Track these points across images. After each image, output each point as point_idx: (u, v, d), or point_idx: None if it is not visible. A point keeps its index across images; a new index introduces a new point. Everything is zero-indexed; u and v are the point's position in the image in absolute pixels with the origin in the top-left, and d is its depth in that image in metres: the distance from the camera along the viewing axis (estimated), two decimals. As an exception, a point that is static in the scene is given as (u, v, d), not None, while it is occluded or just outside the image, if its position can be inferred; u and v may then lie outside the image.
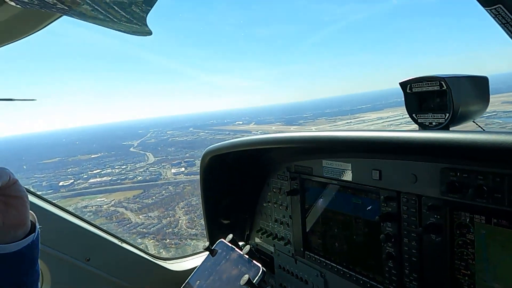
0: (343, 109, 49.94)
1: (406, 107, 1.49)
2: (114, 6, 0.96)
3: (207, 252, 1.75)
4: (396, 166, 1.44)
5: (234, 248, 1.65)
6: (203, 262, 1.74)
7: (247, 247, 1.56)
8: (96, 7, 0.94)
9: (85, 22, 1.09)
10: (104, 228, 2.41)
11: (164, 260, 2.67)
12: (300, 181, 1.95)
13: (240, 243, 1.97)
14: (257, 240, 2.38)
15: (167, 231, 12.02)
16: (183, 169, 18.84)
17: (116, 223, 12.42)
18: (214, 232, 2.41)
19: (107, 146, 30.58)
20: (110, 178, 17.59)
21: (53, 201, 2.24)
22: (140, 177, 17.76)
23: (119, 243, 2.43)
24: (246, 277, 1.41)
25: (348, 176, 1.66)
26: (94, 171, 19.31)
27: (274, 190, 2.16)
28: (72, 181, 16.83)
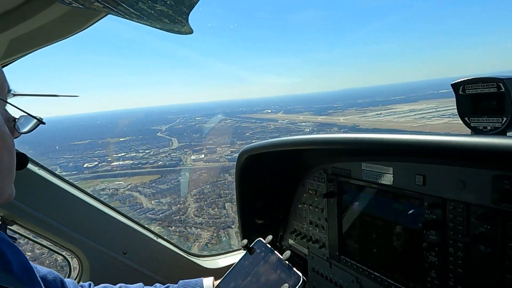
0: (375, 99, 48.67)
1: (457, 110, 1.41)
2: (157, 6, 1.06)
3: (243, 251, 1.73)
4: (441, 172, 1.38)
5: (274, 251, 1.62)
6: (240, 260, 1.71)
7: (288, 252, 1.53)
8: (140, 6, 1.05)
9: (128, 20, 1.20)
10: (141, 222, 2.49)
11: (198, 257, 2.73)
12: (338, 183, 1.91)
13: (268, 237, 1.93)
14: (291, 241, 2.35)
15: (174, 218, 12.09)
16: (202, 156, 18.92)
17: (128, 207, 12.63)
18: (248, 231, 2.42)
19: (137, 130, 31.28)
20: (131, 162, 17.92)
21: (94, 195, 2.35)
22: (161, 162, 17.98)
23: (155, 238, 2.50)
24: (286, 286, 1.38)
25: (388, 180, 1.61)
26: (119, 154, 19.75)
27: (309, 191, 2.13)
28: (96, 163, 17.31)
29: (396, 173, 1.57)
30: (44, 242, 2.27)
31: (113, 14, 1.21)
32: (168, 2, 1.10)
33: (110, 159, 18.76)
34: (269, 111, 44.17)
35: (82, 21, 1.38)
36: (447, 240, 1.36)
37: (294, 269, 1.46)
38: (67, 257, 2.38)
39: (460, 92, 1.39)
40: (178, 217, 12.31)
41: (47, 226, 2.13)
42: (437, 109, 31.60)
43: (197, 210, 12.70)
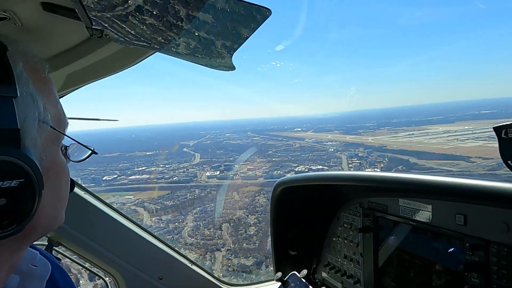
0: (411, 119, 47.01)
1: (500, 153, 1.34)
2: (203, 45, 1.13)
3: (277, 282, 1.72)
4: (484, 213, 1.34)
5: (308, 286, 1.63)
6: None
7: None
8: (186, 45, 1.13)
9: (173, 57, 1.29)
10: (176, 248, 2.54)
11: (231, 285, 2.73)
12: (374, 218, 1.88)
13: (303, 271, 1.96)
14: (324, 274, 2.31)
15: (167, 237, 11.86)
16: (217, 172, 18.75)
17: (129, 223, 12.53)
18: (281, 262, 2.40)
19: (165, 145, 31.83)
20: (148, 176, 18.06)
21: (131, 218, 2.42)
22: (176, 178, 17.96)
23: (190, 265, 2.53)
24: None
25: (427, 218, 1.57)
26: (140, 168, 20.04)
27: (345, 225, 2.10)
28: (115, 176, 17.61)
29: (436, 211, 1.53)
30: (84, 262, 2.35)
31: (162, 52, 1.29)
32: (215, 43, 1.15)
33: (129, 172, 19.05)
34: (299, 129, 43.91)
35: (133, 58, 1.45)
36: (490, 285, 1.31)
37: None
38: (105, 279, 2.42)
39: (503, 136, 1.32)
40: (171, 236, 12.10)
41: (89, 248, 2.21)
42: (473, 131, 30.10)
43: (192, 230, 12.51)
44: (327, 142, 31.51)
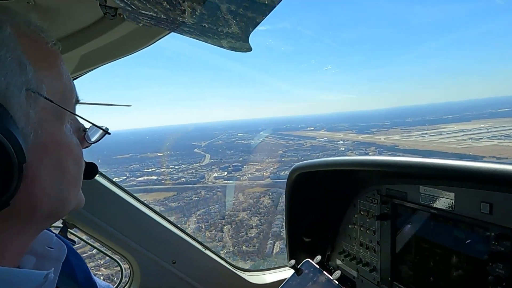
0: (426, 118, 46.26)
1: None
2: (220, 25, 1.08)
3: (290, 269, 1.72)
4: (511, 200, 1.28)
5: (322, 271, 1.60)
6: (288, 280, 1.70)
7: (338, 272, 1.52)
8: (203, 25, 1.08)
9: (189, 38, 1.25)
10: (189, 233, 2.53)
11: (244, 271, 2.72)
12: (392, 205, 1.82)
13: (317, 257, 1.88)
14: (339, 262, 2.28)
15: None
16: (225, 173, 18.65)
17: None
18: (295, 249, 2.37)
19: (178, 145, 32.04)
20: (156, 177, 18.07)
21: (145, 202, 2.42)
22: (183, 179, 17.93)
23: (203, 249, 2.53)
24: None
25: (449, 206, 1.51)
26: (150, 169, 20.11)
27: (361, 212, 2.04)
28: (124, 177, 17.68)
29: (459, 199, 1.47)
30: (98, 245, 2.38)
31: (177, 32, 1.26)
32: (231, 22, 1.11)
33: (139, 174, 19.15)
34: (312, 128, 43.67)
35: (148, 38, 1.43)
36: None
37: None
38: (120, 261, 2.44)
39: None
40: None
41: (103, 231, 2.24)
42: (489, 130, 29.38)
43: (193, 232, 12.36)
44: (339, 141, 31.18)
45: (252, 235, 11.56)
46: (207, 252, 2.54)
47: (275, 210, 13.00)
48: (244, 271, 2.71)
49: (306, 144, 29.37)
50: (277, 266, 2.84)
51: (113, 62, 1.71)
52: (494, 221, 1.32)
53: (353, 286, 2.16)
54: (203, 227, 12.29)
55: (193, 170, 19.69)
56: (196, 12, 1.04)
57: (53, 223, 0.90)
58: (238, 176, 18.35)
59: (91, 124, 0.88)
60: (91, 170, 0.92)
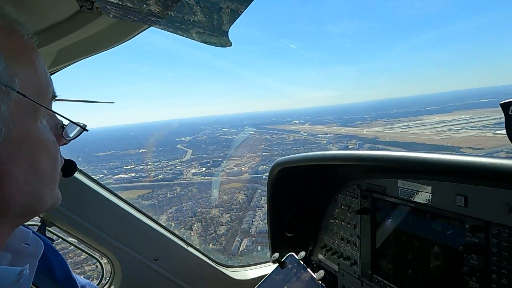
0: (410, 110, 46.57)
1: (506, 131, 1.28)
2: (199, 19, 1.13)
3: (272, 265, 1.72)
4: (485, 193, 1.30)
5: (306, 268, 1.60)
6: (271, 273, 1.69)
7: (321, 272, 1.53)
8: (182, 19, 1.13)
9: (168, 32, 1.26)
10: (171, 229, 2.51)
11: (227, 267, 2.72)
12: (372, 200, 1.85)
13: (301, 253, 1.87)
14: (320, 256, 2.30)
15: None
16: (203, 169, 18.35)
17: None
18: (277, 244, 2.38)
19: (161, 141, 31.57)
20: (134, 174, 17.66)
21: (126, 199, 2.38)
22: (161, 176, 17.56)
23: (185, 246, 2.51)
24: None
25: (426, 199, 1.53)
26: (129, 167, 19.69)
27: (342, 207, 2.07)
28: (102, 175, 17.26)
29: (435, 192, 1.50)
30: (78, 243, 2.33)
31: (156, 27, 1.26)
32: (209, 16, 1.11)
33: (116, 171, 18.75)
34: (297, 122, 43.62)
35: (126, 33, 1.41)
36: (490, 266, 1.29)
37: None
38: (101, 260, 2.41)
39: (510, 113, 1.28)
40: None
41: (83, 229, 2.19)
42: (469, 121, 29.60)
43: None
44: (322, 134, 31.11)
45: (221, 232, 11.35)
46: (190, 248, 2.52)
47: (248, 206, 12.88)
48: (227, 267, 2.71)
49: (289, 138, 29.23)
50: (259, 261, 2.85)
51: (93, 57, 1.68)
52: (469, 214, 1.36)
53: (334, 280, 2.17)
54: (173, 225, 12.03)
55: (172, 167, 19.33)
56: (173, 6, 1.04)
57: (28, 220, 0.84)
58: (216, 172, 18.09)
59: (68, 121, 0.85)
60: (69, 167, 0.90)
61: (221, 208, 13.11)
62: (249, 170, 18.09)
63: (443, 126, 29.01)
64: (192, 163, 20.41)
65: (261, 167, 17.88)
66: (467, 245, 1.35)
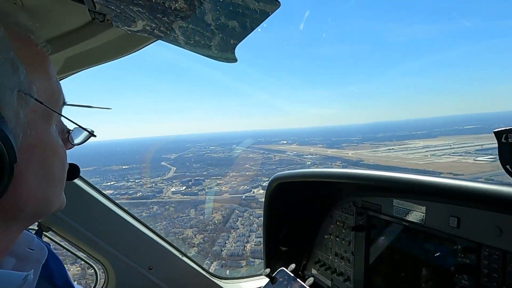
0: (396, 134, 47.06)
1: (499, 158, 1.31)
2: (207, 35, 1.12)
3: (266, 278, 1.72)
4: (477, 216, 1.33)
5: (296, 279, 1.62)
6: None
7: (311, 279, 1.59)
8: (190, 34, 1.13)
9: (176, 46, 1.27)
10: (167, 238, 2.47)
11: (221, 278, 2.68)
12: (367, 217, 1.86)
13: (291, 265, 1.92)
14: (314, 271, 2.29)
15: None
16: (183, 188, 18.02)
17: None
18: (272, 259, 2.37)
19: (146, 158, 31.17)
20: (112, 191, 17.25)
21: (123, 206, 2.35)
22: (140, 193, 17.17)
23: (180, 256, 2.48)
24: None
25: (420, 219, 1.55)
26: (109, 183, 19.26)
27: (337, 223, 2.09)
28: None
29: (429, 213, 1.52)
30: (74, 250, 2.30)
31: (163, 40, 1.26)
32: (218, 33, 1.12)
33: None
34: (285, 142, 43.63)
35: (133, 45, 1.42)
36: (480, 287, 1.31)
37: None
38: (95, 266, 2.37)
39: (503, 140, 1.30)
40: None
41: (79, 235, 2.17)
42: (452, 146, 29.96)
43: None
44: (307, 155, 31.09)
45: (191, 254, 10.97)
46: (184, 258, 2.50)
47: (223, 228, 12.58)
48: (221, 278, 2.68)
49: (275, 158, 29.16)
50: (253, 274, 2.82)
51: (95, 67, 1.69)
52: (461, 235, 1.38)
53: None
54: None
55: (153, 184, 18.99)
56: (184, 22, 1.05)
57: (33, 223, 0.87)
58: (196, 191, 17.78)
59: (77, 126, 0.87)
60: (73, 171, 0.91)
61: (195, 229, 12.81)
62: (230, 189, 17.86)
63: (427, 151, 29.28)
64: (174, 181, 20.08)
65: (242, 187, 17.68)
66: (459, 265, 1.37)
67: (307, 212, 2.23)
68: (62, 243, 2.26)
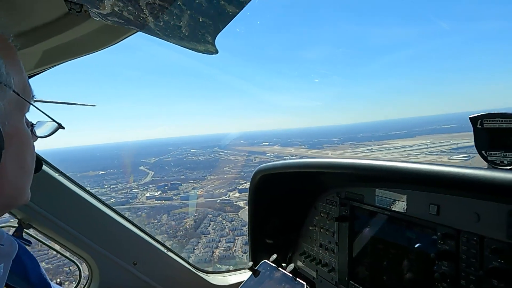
0: (376, 134, 47.53)
1: (475, 143, 1.36)
2: (186, 26, 1.11)
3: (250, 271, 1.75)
4: (456, 203, 1.35)
5: (278, 268, 1.65)
6: (245, 282, 1.72)
7: (291, 265, 1.58)
8: (169, 25, 1.11)
9: (156, 38, 1.26)
10: (151, 233, 2.43)
11: (206, 273, 2.65)
12: (350, 208, 1.87)
13: (273, 256, 1.88)
14: (299, 263, 2.27)
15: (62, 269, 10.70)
16: (158, 193, 17.63)
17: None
18: (257, 251, 2.35)
19: (125, 163, 30.53)
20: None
21: (106, 202, 2.29)
22: (113, 199, 16.68)
23: (165, 251, 2.44)
24: None
25: (402, 208, 1.57)
26: (83, 190, 18.70)
27: (321, 214, 2.08)
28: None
29: (410, 201, 1.54)
30: (57, 247, 2.23)
31: (143, 32, 1.24)
32: (197, 23, 1.11)
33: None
34: (266, 143, 43.59)
35: (113, 36, 1.39)
36: (459, 272, 1.33)
37: (297, 279, 1.51)
38: (78, 263, 2.30)
39: (478, 126, 1.35)
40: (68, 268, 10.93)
41: (61, 231, 2.11)
42: (429, 146, 30.38)
43: None
44: (288, 156, 31.01)
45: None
46: (169, 253, 2.46)
47: (193, 233, 12.30)
48: (206, 272, 2.65)
49: (255, 160, 28.99)
50: (239, 267, 2.81)
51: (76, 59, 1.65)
52: (441, 222, 1.39)
53: (312, 286, 2.15)
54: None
55: (129, 190, 18.49)
56: (163, 13, 1.02)
57: (3, 214, 0.84)
58: (171, 196, 17.39)
59: (39, 120, 0.88)
60: (38, 163, 0.88)
61: (165, 235, 12.49)
62: (205, 193, 17.57)
63: (404, 150, 29.64)
64: (150, 186, 19.66)
65: (218, 190, 17.41)
66: (439, 252, 1.38)
67: (292, 204, 2.21)
68: (43, 240, 2.21)
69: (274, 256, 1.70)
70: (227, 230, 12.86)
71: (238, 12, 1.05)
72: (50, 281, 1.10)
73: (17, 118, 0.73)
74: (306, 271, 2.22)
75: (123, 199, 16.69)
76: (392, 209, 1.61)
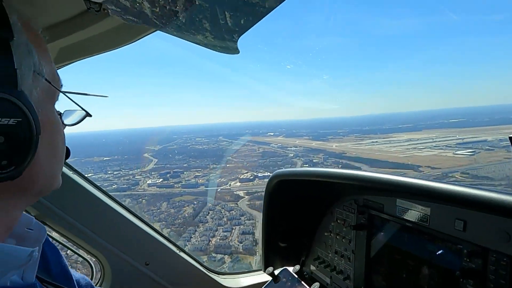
0: (382, 127, 46.98)
1: None
2: (208, 25, 1.08)
3: (264, 273, 1.74)
4: (485, 220, 1.28)
5: (301, 282, 1.59)
6: (265, 287, 1.65)
7: (316, 284, 1.56)
8: (191, 24, 1.10)
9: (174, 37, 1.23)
10: (164, 234, 2.43)
11: (218, 274, 2.64)
12: (369, 216, 1.81)
13: (296, 266, 1.94)
14: (312, 268, 2.23)
15: (74, 268, 10.77)
16: (160, 180, 17.68)
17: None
18: (270, 254, 2.32)
19: (129, 149, 30.68)
20: (87, 184, 16.88)
21: (119, 200, 2.30)
22: (115, 186, 16.77)
23: (177, 251, 2.44)
24: None
25: (425, 220, 1.50)
26: (87, 175, 18.84)
27: (338, 221, 2.02)
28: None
29: (434, 214, 1.47)
30: (69, 244, 2.24)
31: (162, 31, 1.22)
32: (220, 24, 1.08)
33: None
34: (271, 134, 43.38)
35: (131, 35, 1.38)
36: None
37: None
38: (91, 261, 2.32)
39: None
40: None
41: (74, 230, 2.11)
42: (434, 140, 29.96)
43: None
44: (291, 147, 30.91)
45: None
46: (182, 254, 2.45)
47: (192, 221, 12.34)
48: (219, 274, 2.65)
49: (258, 150, 28.94)
50: (252, 269, 2.79)
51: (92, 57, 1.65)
52: (467, 238, 1.33)
53: None
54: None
55: (131, 176, 18.59)
56: (185, 13, 1.01)
57: (36, 200, 0.83)
58: (172, 183, 17.45)
59: (67, 109, 0.89)
60: (66, 152, 0.89)
61: (163, 223, 12.54)
62: (207, 182, 17.60)
63: (409, 144, 29.32)
64: (153, 173, 19.73)
65: (219, 179, 17.44)
66: (464, 269, 1.32)
67: (307, 208, 2.18)
68: (57, 238, 2.20)
69: (298, 267, 1.70)
70: (225, 219, 12.92)
71: (271, 10, 1.01)
72: (72, 270, 1.11)
73: (48, 106, 0.75)
74: (319, 276, 2.17)
75: (125, 186, 16.81)
76: (414, 220, 1.55)
